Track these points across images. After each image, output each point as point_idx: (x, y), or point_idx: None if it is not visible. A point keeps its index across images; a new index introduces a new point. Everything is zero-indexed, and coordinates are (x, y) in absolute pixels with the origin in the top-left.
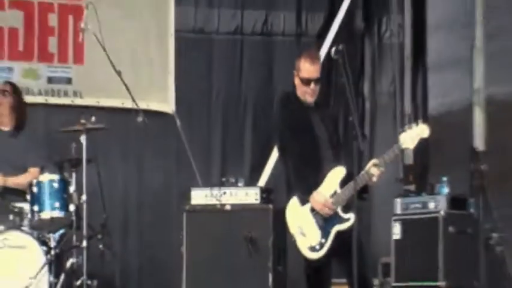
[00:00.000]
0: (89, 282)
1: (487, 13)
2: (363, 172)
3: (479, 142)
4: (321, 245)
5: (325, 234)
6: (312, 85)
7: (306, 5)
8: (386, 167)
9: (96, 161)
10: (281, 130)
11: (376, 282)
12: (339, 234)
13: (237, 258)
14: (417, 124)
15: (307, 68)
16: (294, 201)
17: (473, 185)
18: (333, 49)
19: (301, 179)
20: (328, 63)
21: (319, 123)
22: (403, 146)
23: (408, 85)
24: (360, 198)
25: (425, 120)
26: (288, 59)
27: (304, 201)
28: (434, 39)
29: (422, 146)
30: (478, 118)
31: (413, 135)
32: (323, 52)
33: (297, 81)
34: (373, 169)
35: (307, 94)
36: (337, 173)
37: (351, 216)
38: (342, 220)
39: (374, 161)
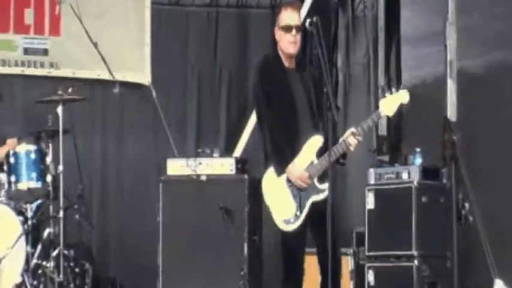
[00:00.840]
0: (66, 252)
1: None
2: (340, 141)
3: (451, 113)
4: (296, 217)
5: (300, 206)
6: (294, 32)
7: None
8: (364, 135)
9: (73, 132)
10: (259, 97)
11: (349, 251)
12: (314, 204)
13: (213, 229)
14: (397, 90)
15: (289, 15)
16: (270, 173)
17: (445, 155)
18: (308, 21)
19: (278, 149)
20: (303, 35)
21: (300, 87)
22: (383, 114)
23: (382, 57)
24: (338, 163)
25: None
26: (262, 32)
27: (280, 172)
28: (407, 12)
29: (396, 117)
30: (451, 90)
31: (392, 102)
32: None
33: (278, 35)
34: (350, 138)
35: (290, 44)
36: (314, 143)
37: (327, 187)
38: (318, 191)
39: (352, 129)
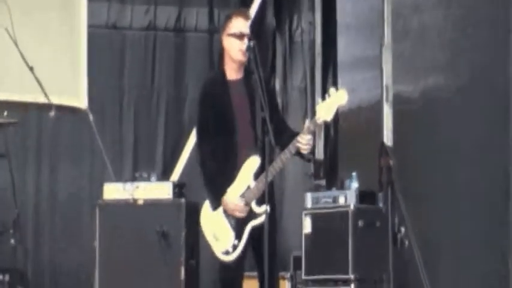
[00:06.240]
0: (1, 277)
1: (394, 13)
2: (285, 151)
3: (387, 138)
4: (234, 247)
5: (238, 234)
6: (246, 40)
7: (218, 1)
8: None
9: (8, 156)
10: (197, 124)
11: (287, 275)
12: (254, 229)
13: (150, 253)
14: (336, 90)
15: (241, 23)
16: (206, 207)
17: (382, 179)
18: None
19: (211, 181)
20: None
21: (244, 100)
22: (320, 120)
23: (319, 82)
24: (303, 158)
25: (336, 117)
26: (200, 55)
27: (215, 206)
28: (344, 37)
29: (333, 141)
30: (387, 115)
31: (329, 105)
32: None
33: (227, 42)
34: (303, 136)
35: (240, 52)
36: (251, 165)
37: (265, 209)
38: (256, 216)
39: (307, 124)
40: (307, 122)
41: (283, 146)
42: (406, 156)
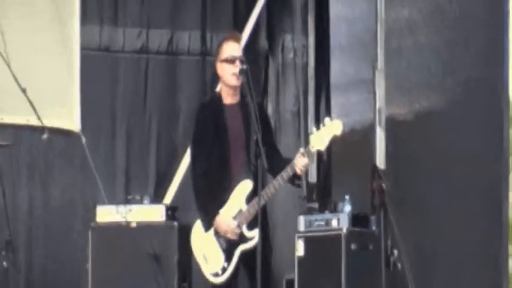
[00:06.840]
0: None
1: (387, 34)
2: (278, 177)
3: (380, 161)
4: (224, 270)
5: (228, 257)
6: (238, 63)
7: (211, 24)
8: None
9: (0, 178)
10: (190, 146)
11: None
12: (245, 253)
13: (142, 276)
14: (331, 119)
15: (231, 47)
16: (198, 227)
17: (374, 202)
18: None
19: (203, 202)
20: None
21: (238, 124)
22: (314, 149)
23: (312, 105)
24: (294, 185)
25: None
26: (193, 78)
27: (207, 227)
28: (337, 60)
29: (326, 164)
30: (380, 138)
31: (324, 134)
32: None
33: (220, 68)
34: (301, 158)
35: (233, 76)
36: (243, 188)
37: (256, 234)
38: (246, 240)
39: (302, 151)
40: (301, 150)
41: (275, 174)
42: (399, 178)
